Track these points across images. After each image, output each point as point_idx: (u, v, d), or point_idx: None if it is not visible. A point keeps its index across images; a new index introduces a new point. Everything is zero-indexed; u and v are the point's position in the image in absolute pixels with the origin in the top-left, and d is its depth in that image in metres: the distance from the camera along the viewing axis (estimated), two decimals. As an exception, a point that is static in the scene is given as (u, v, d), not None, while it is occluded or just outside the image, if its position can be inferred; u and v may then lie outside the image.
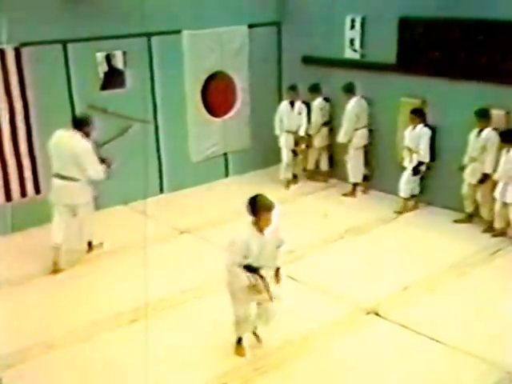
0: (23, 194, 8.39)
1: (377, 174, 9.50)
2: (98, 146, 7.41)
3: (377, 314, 6.31)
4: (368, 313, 6.36)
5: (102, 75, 8.79)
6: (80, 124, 7.30)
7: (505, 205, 7.71)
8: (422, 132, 8.53)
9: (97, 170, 7.32)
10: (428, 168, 8.76)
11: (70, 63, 8.45)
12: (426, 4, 8.48)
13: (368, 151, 9.61)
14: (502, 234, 7.92)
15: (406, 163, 8.78)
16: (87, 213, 7.59)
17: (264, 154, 10.50)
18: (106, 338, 6.02)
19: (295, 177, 10.19)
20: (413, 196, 8.93)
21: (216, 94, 10.10)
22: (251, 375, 5.41)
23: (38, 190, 8.49)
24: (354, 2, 9.45)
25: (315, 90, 9.88)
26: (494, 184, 7.87)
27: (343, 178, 9.87)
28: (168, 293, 6.71)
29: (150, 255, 7.07)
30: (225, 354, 5.66)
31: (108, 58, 8.80)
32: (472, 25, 8.10)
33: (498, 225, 7.95)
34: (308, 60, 10.18)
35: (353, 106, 9.29)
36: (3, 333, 5.99)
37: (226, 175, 10.61)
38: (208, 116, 10.11)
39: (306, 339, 5.89)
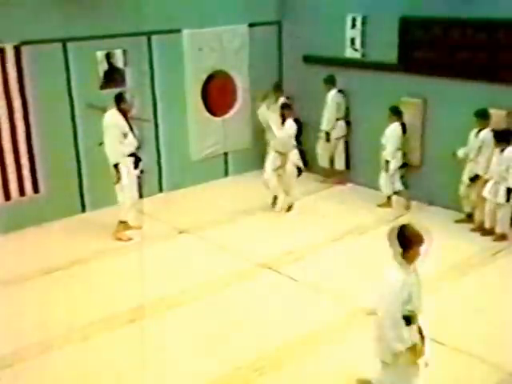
0: (22, 192, 8.35)
1: (377, 174, 9.46)
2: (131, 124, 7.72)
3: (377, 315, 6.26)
4: (368, 313, 6.32)
5: (101, 74, 8.76)
6: (116, 100, 7.60)
7: (497, 205, 7.68)
8: (391, 130, 8.64)
9: (113, 151, 7.54)
10: (403, 166, 8.77)
11: (70, 62, 8.42)
12: (427, 4, 8.47)
13: (348, 142, 9.92)
14: (501, 238, 7.83)
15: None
16: (120, 176, 7.68)
17: (264, 154, 10.42)
18: (104, 338, 5.98)
19: (300, 171, 9.30)
20: (396, 193, 8.94)
21: (216, 94, 10.08)
22: (251, 376, 5.38)
23: (36, 189, 8.46)
24: (355, 2, 9.43)
25: (278, 88, 9.86)
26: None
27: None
28: (167, 293, 6.68)
29: (149, 255, 7.09)
30: (224, 354, 5.62)
31: (108, 57, 8.77)
32: (473, 24, 8.09)
33: (488, 225, 7.91)
34: (309, 59, 10.16)
35: (333, 95, 9.64)
36: (1, 333, 5.97)
37: (226, 174, 10.59)
38: (208, 115, 10.08)
39: (306, 340, 5.86)
